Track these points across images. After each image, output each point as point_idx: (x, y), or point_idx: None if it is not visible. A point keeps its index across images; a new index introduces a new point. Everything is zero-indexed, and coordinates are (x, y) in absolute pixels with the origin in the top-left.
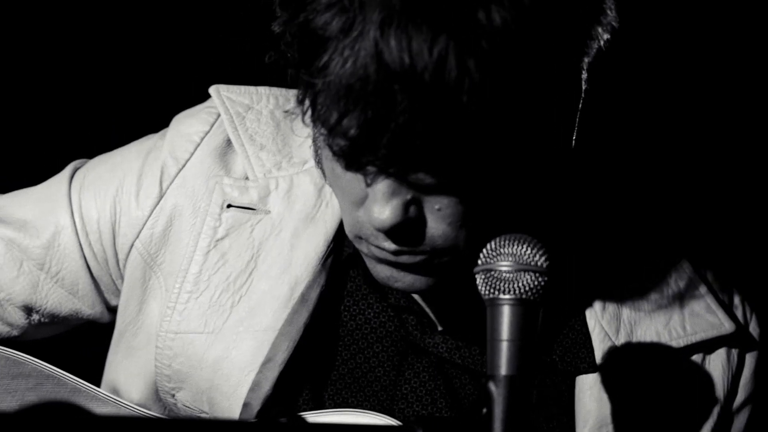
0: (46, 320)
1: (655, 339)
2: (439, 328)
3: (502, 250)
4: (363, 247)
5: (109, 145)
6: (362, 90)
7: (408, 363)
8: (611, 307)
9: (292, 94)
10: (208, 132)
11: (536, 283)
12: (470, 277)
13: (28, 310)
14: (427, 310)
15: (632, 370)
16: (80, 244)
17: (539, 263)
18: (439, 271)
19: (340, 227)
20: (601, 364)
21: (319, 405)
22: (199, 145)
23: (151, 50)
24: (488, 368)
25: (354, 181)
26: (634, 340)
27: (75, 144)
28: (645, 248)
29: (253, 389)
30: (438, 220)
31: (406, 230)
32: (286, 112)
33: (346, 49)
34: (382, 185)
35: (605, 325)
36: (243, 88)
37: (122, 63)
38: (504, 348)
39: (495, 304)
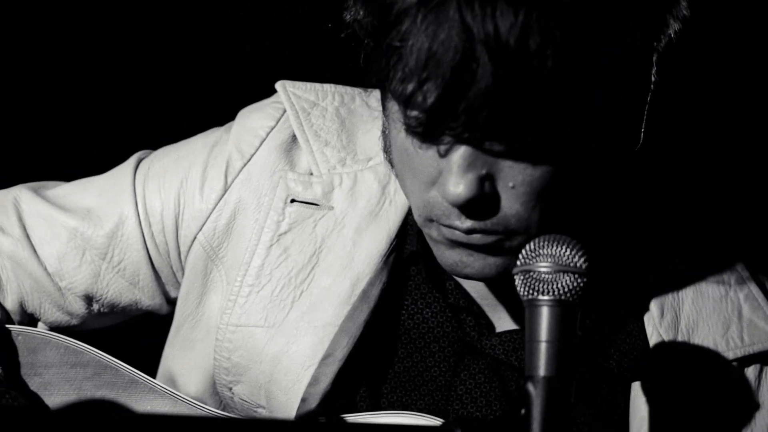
0: (106, 310)
1: (712, 347)
2: (497, 330)
3: (541, 251)
4: (433, 231)
5: (109, 145)
6: (444, 56)
7: (464, 364)
8: (669, 314)
9: (357, 92)
10: (274, 127)
11: (575, 284)
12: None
13: (89, 299)
14: (485, 311)
15: (688, 379)
16: (143, 235)
17: (578, 264)
18: (509, 255)
19: (403, 225)
20: (657, 371)
21: (375, 402)
22: (264, 140)
23: (151, 50)
24: (526, 369)
25: (427, 159)
26: (691, 348)
27: (75, 144)
28: (703, 253)
29: (311, 384)
30: (511, 198)
31: (480, 206)
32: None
33: (428, 15)
34: (458, 158)
35: (663, 332)
36: (309, 84)
37: (122, 63)
38: (543, 349)
39: (534, 305)
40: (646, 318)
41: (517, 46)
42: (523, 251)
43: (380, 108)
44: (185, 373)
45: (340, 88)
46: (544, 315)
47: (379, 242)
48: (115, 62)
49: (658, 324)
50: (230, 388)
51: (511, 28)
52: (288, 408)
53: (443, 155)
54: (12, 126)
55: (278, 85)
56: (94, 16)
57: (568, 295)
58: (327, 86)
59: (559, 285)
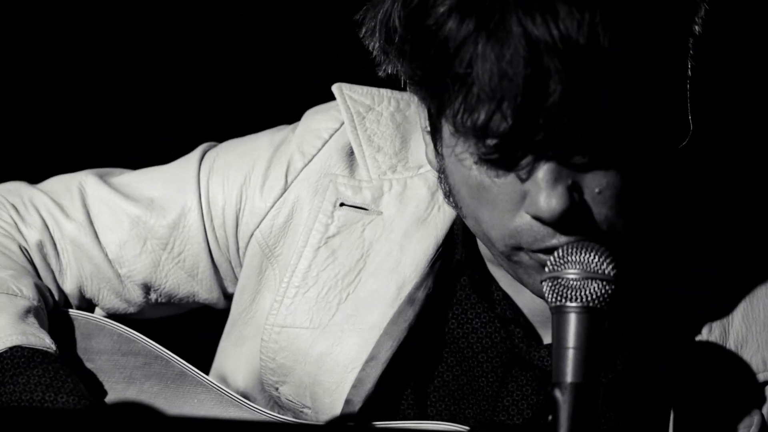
0: (163, 300)
1: (760, 366)
2: (545, 342)
3: (569, 258)
4: (523, 257)
5: (108, 145)
6: (514, 72)
7: (512, 375)
8: (718, 329)
9: (413, 98)
10: (338, 129)
11: (603, 291)
12: None
13: (147, 288)
14: (532, 322)
15: (734, 395)
16: (204, 228)
17: (607, 271)
18: None
19: (451, 232)
20: (695, 380)
21: (422, 409)
22: (327, 141)
23: (151, 51)
24: (553, 375)
25: (506, 186)
26: (739, 364)
27: (75, 144)
28: (756, 265)
29: (355, 386)
30: (599, 204)
31: (573, 218)
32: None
33: (491, 37)
34: (544, 173)
35: (734, 336)
36: (366, 88)
37: (122, 63)
38: (570, 355)
39: (561, 311)
40: (694, 330)
41: (587, 46)
42: (552, 258)
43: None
44: (236, 370)
45: (397, 94)
46: (572, 322)
47: (426, 248)
48: (115, 62)
49: (705, 337)
50: (276, 388)
51: (579, 29)
52: (333, 409)
53: (525, 175)
54: (12, 126)
55: (335, 88)
56: (94, 17)
57: (596, 302)
58: (383, 91)
59: (588, 292)
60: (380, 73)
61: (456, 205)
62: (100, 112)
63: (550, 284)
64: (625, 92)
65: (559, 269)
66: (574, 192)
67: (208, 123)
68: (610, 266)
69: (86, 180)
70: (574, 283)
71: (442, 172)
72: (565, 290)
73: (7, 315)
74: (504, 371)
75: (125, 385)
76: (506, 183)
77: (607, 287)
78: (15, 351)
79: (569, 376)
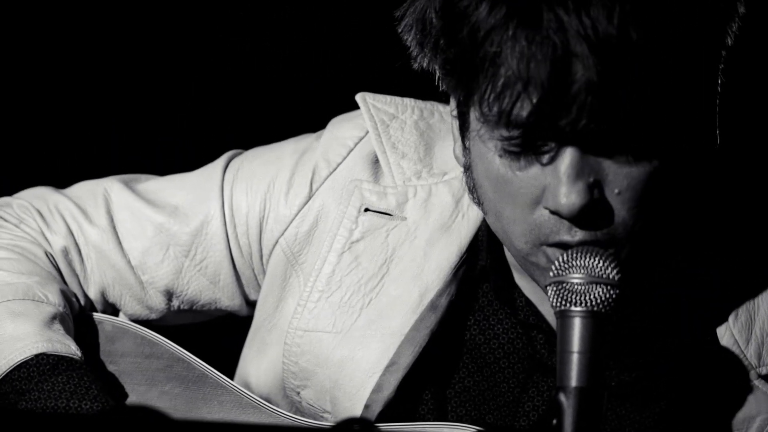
0: (185, 307)
1: None
2: None
3: (574, 263)
4: (541, 258)
5: (109, 145)
6: (543, 56)
7: (533, 381)
8: (744, 316)
9: (435, 107)
10: (362, 138)
11: (608, 295)
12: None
13: (169, 294)
14: (555, 328)
15: (761, 384)
16: (227, 236)
17: (611, 276)
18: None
19: (475, 239)
20: (730, 377)
21: (441, 414)
22: (352, 150)
23: (150, 51)
24: (558, 379)
25: (528, 179)
26: (765, 353)
27: (75, 144)
28: None
29: (375, 391)
30: (618, 205)
31: (590, 215)
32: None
33: (521, 23)
34: (566, 167)
35: (736, 333)
36: (389, 97)
37: (122, 63)
38: (575, 360)
39: (566, 315)
40: (720, 317)
41: (616, 37)
42: (557, 262)
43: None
44: (259, 374)
45: (420, 103)
46: (577, 326)
47: (449, 255)
48: (115, 62)
49: (732, 324)
50: (298, 392)
51: (609, 20)
52: (352, 413)
53: (546, 164)
54: (12, 126)
55: (358, 97)
56: (95, 17)
57: (601, 306)
58: (407, 100)
59: (592, 296)
60: (414, 66)
61: (479, 201)
62: (100, 113)
63: (554, 289)
64: (650, 87)
65: (564, 274)
66: (595, 189)
67: (208, 123)
68: (615, 271)
69: (111, 186)
70: (579, 287)
71: (467, 168)
72: (569, 295)
73: (33, 322)
74: (525, 377)
75: (147, 386)
76: (528, 177)
77: (611, 292)
78: (41, 358)
79: (574, 381)
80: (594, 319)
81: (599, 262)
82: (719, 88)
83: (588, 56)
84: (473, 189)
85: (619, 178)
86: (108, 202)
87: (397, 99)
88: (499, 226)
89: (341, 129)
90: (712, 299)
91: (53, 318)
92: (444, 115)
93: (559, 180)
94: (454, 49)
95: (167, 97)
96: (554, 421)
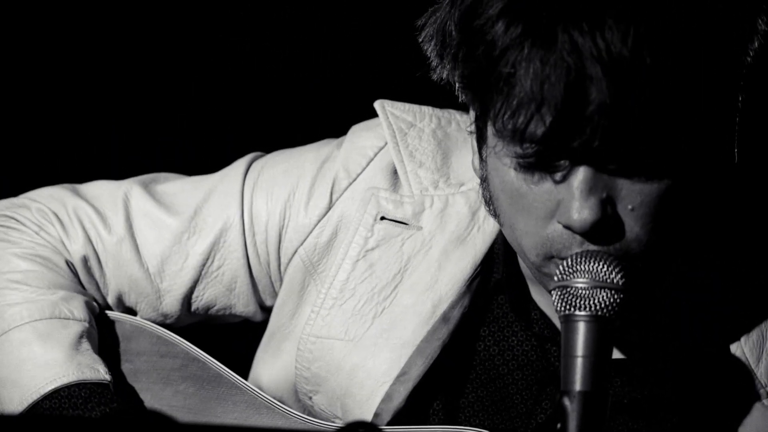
0: (200, 312)
1: None
2: None
3: (578, 267)
4: (552, 268)
5: (109, 145)
6: (557, 77)
7: (546, 393)
8: (756, 334)
9: (453, 116)
10: (382, 148)
11: (612, 300)
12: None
13: (185, 302)
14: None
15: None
16: (245, 244)
17: (615, 280)
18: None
19: (489, 252)
20: (741, 395)
21: (452, 425)
22: (372, 160)
23: (150, 52)
24: (562, 384)
25: (542, 194)
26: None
27: (75, 144)
28: None
29: (385, 401)
30: (631, 221)
31: (603, 231)
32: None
33: (536, 42)
34: (579, 183)
35: (747, 350)
36: (407, 105)
37: (122, 64)
38: (579, 364)
39: (570, 320)
40: (731, 336)
41: (630, 59)
42: (561, 267)
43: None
44: (271, 378)
45: (438, 111)
46: (581, 330)
47: (464, 267)
48: (116, 62)
49: (743, 343)
50: (310, 397)
51: (624, 42)
52: (379, 427)
53: (560, 181)
54: (12, 126)
55: (377, 105)
56: (95, 17)
57: (605, 311)
58: (425, 108)
59: (596, 301)
60: (434, 77)
61: (495, 213)
62: (100, 113)
63: (559, 293)
64: (664, 109)
65: (568, 278)
66: (608, 205)
67: (208, 123)
68: (619, 275)
69: (131, 191)
70: (583, 292)
71: (484, 180)
72: (573, 299)
73: (62, 346)
74: (539, 389)
75: (162, 385)
76: (542, 191)
77: (615, 296)
78: (72, 390)
79: (578, 385)
80: (598, 323)
81: (603, 267)
82: (740, 105)
83: (602, 78)
84: (489, 201)
85: (633, 194)
86: (128, 207)
87: (415, 107)
88: (513, 238)
89: (361, 138)
90: (724, 317)
91: (80, 337)
92: (461, 123)
93: (572, 195)
94: (471, 64)
95: (167, 97)
96: (558, 425)
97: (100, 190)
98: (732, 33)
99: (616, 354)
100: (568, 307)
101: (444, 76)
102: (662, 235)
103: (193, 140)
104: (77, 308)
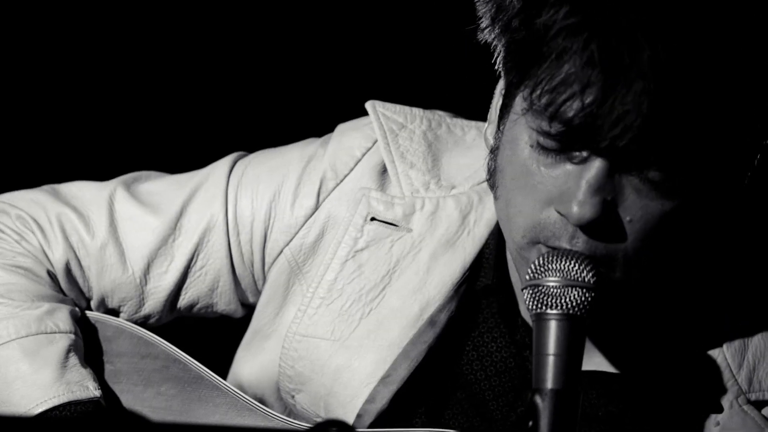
0: (182, 311)
1: None
2: None
3: (550, 266)
4: (533, 255)
5: (108, 145)
6: (611, 70)
7: (522, 400)
8: (738, 341)
9: (443, 118)
10: (370, 148)
11: (583, 298)
12: (605, 320)
13: (168, 302)
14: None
15: (750, 410)
16: (229, 243)
17: (587, 279)
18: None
19: (479, 257)
20: (722, 402)
21: (434, 427)
22: (360, 160)
23: (150, 52)
24: (534, 382)
25: (549, 178)
26: (755, 379)
27: (75, 144)
28: None
29: (368, 402)
30: (626, 232)
31: (595, 231)
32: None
33: (598, 32)
34: (590, 177)
35: (729, 357)
36: (398, 106)
37: (122, 64)
38: (550, 362)
39: (542, 318)
40: (714, 342)
41: (686, 79)
42: (533, 266)
43: (472, 134)
44: (252, 376)
45: (428, 113)
46: (552, 329)
47: (452, 271)
48: (114, 63)
49: (725, 349)
50: (293, 396)
51: (684, 61)
52: (353, 426)
53: (571, 171)
54: (12, 126)
55: (368, 105)
56: (95, 18)
57: (576, 309)
58: (416, 110)
59: (567, 299)
60: (479, 37)
61: (494, 185)
62: (98, 113)
63: (530, 291)
64: (698, 133)
65: (540, 277)
66: (609, 208)
67: (190, 122)
68: (590, 274)
69: (115, 193)
70: (555, 290)
71: (494, 150)
72: (545, 298)
73: (50, 366)
74: (515, 396)
75: (143, 387)
76: (550, 175)
77: (587, 295)
78: (62, 410)
79: (549, 383)
80: (569, 321)
81: (575, 266)
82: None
83: (651, 84)
84: (493, 171)
85: (635, 207)
86: (112, 211)
87: (406, 108)
88: (504, 213)
89: (348, 138)
90: (706, 324)
91: (68, 352)
92: (451, 126)
93: (579, 187)
94: (526, 32)
95: (151, 95)
96: (530, 423)
97: (82, 192)
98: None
99: (595, 366)
100: (539, 305)
101: (489, 39)
102: (650, 255)
103: (176, 138)
104: (62, 320)
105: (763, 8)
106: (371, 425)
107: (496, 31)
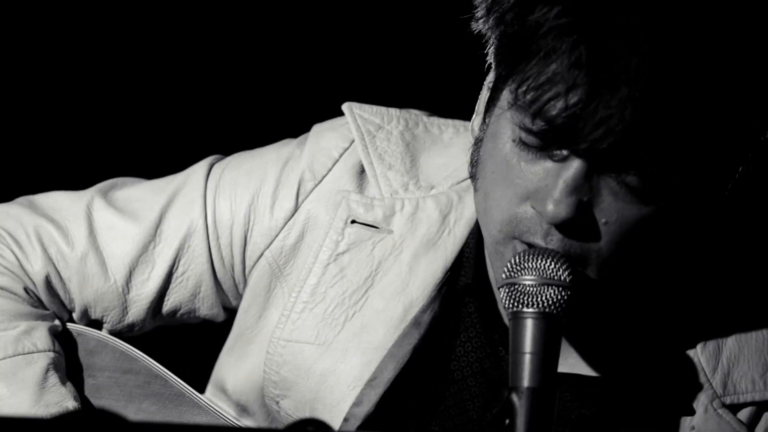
0: (165, 318)
1: (749, 386)
2: None
3: (526, 264)
4: (508, 251)
5: (109, 145)
6: (598, 72)
7: (498, 399)
8: (712, 345)
9: (420, 118)
10: (347, 149)
11: (559, 296)
12: (580, 322)
13: (150, 310)
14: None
15: (725, 414)
16: (209, 248)
17: (563, 277)
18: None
19: (459, 256)
20: (696, 405)
21: (419, 430)
22: (338, 161)
23: (150, 52)
24: (510, 380)
25: (528, 174)
26: (730, 383)
27: (75, 144)
28: (751, 301)
29: (355, 405)
30: (600, 233)
31: (570, 230)
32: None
33: (589, 34)
34: (567, 177)
35: (703, 361)
36: (375, 107)
37: (122, 64)
38: (527, 360)
39: (518, 317)
40: (688, 344)
41: (673, 89)
42: (509, 264)
43: (449, 132)
44: (237, 383)
45: (404, 113)
46: (529, 327)
47: (434, 271)
48: (115, 63)
49: (699, 352)
50: (277, 402)
51: (673, 72)
52: (331, 426)
53: (550, 168)
54: (12, 126)
55: (345, 107)
56: (95, 18)
57: (552, 307)
58: (392, 110)
59: (544, 298)
60: (472, 26)
61: (475, 176)
62: (96, 113)
63: (507, 290)
64: (676, 140)
65: (516, 275)
66: (585, 209)
67: (180, 126)
68: (566, 272)
69: (93, 203)
70: (531, 289)
71: (478, 142)
72: (521, 296)
73: (28, 388)
74: (490, 396)
75: (125, 402)
76: (529, 171)
77: (563, 293)
78: None
79: (526, 381)
80: (546, 320)
81: (551, 264)
82: (748, 159)
83: (636, 91)
84: (475, 163)
85: (611, 210)
86: (90, 220)
87: (383, 109)
88: (483, 206)
89: (325, 138)
90: (681, 327)
91: (46, 372)
92: (428, 125)
93: (556, 186)
94: (518, 27)
95: (138, 99)
96: (507, 421)
97: (58, 202)
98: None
99: (570, 367)
100: (515, 304)
101: (483, 30)
102: (624, 258)
103: (150, 141)
104: (40, 339)
105: (750, 24)
106: (358, 428)
107: (491, 22)
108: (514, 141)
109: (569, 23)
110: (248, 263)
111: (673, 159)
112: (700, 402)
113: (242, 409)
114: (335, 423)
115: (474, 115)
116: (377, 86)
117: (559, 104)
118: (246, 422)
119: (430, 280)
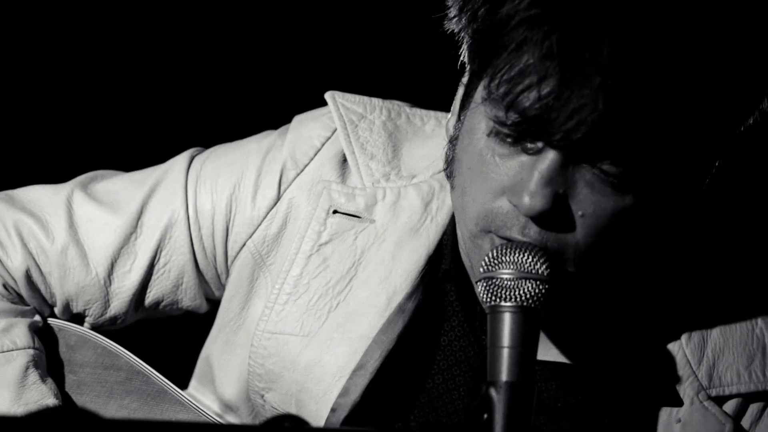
0: (148, 310)
1: (735, 378)
2: None
3: (504, 258)
4: (486, 243)
5: (108, 145)
6: (568, 63)
7: (477, 393)
8: (697, 337)
9: (402, 108)
10: (329, 138)
11: (537, 290)
12: (564, 312)
13: (133, 302)
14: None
15: (710, 406)
16: (191, 239)
17: (540, 271)
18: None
19: (440, 243)
20: (682, 397)
21: (405, 418)
22: (319, 150)
23: (150, 52)
24: (489, 374)
25: (503, 168)
26: (715, 375)
27: (74, 144)
28: (735, 293)
29: (341, 395)
30: (577, 226)
31: (546, 223)
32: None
33: (558, 26)
34: (543, 169)
35: (688, 353)
36: (357, 97)
37: (122, 64)
38: (505, 355)
39: (496, 311)
40: (673, 336)
41: (644, 81)
42: (486, 258)
43: (431, 124)
44: (221, 375)
45: (387, 103)
46: (507, 321)
47: (417, 258)
48: (97, 57)
49: (684, 344)
50: (262, 395)
51: (642, 63)
52: (317, 417)
53: (525, 162)
54: (12, 126)
55: (327, 96)
56: (95, 18)
57: (530, 301)
58: (375, 100)
59: (521, 291)
60: (446, 26)
61: (451, 174)
62: (77, 107)
63: (484, 284)
64: (648, 129)
65: (494, 269)
66: (561, 201)
67: (160, 119)
68: (544, 266)
69: (73, 196)
70: (508, 282)
71: (453, 140)
72: (499, 290)
73: (7, 387)
74: (476, 384)
75: (106, 399)
76: (504, 166)
77: (541, 287)
78: None
79: (504, 375)
80: (524, 314)
81: (528, 258)
82: (725, 156)
83: (608, 80)
84: (451, 161)
85: (588, 202)
86: (70, 213)
87: (365, 98)
88: (460, 202)
89: (307, 128)
90: (666, 319)
91: (26, 369)
92: (410, 116)
93: (531, 178)
94: (489, 21)
95: (166, 97)
96: (485, 416)
97: (38, 196)
98: (741, 91)
99: (555, 357)
100: (493, 298)
101: (456, 29)
102: (602, 250)
103: (130, 134)
104: (19, 336)
105: (722, 11)
106: (346, 419)
107: (463, 21)
108: (488, 135)
109: (540, 14)
110: (230, 253)
111: (646, 148)
112: (686, 394)
113: (226, 405)
114: (322, 414)
115: (449, 115)
116: (359, 80)
117: (532, 95)
118: (229, 418)
119: (413, 268)
